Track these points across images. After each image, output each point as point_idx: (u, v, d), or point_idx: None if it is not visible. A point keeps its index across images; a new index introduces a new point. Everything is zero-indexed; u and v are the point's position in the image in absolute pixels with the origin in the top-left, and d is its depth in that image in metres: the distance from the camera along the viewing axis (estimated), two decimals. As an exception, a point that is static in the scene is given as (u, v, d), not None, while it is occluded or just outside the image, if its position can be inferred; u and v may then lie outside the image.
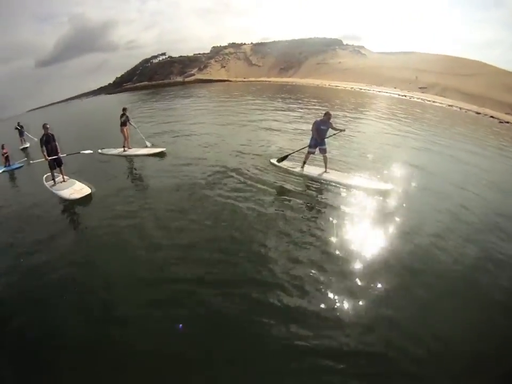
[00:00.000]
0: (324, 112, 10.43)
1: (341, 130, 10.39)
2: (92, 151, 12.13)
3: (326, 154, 10.50)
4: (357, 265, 6.16)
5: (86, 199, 9.90)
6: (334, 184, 9.89)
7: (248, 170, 11.06)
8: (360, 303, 5.28)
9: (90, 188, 10.27)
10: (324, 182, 10.10)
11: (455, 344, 4.72)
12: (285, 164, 11.16)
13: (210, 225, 7.80)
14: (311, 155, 10.68)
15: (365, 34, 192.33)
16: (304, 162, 10.82)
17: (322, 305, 5.20)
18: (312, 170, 10.71)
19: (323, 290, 5.53)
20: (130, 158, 14.22)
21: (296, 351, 4.56)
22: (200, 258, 6.66)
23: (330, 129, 10.26)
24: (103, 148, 15.65)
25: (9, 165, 15.75)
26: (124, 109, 15.12)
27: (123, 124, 14.83)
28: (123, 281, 6.20)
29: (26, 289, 6.18)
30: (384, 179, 10.34)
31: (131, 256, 6.91)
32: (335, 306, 5.20)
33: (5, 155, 16.16)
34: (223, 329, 4.99)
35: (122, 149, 15.01)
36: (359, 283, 5.71)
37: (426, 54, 72.39)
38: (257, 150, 13.55)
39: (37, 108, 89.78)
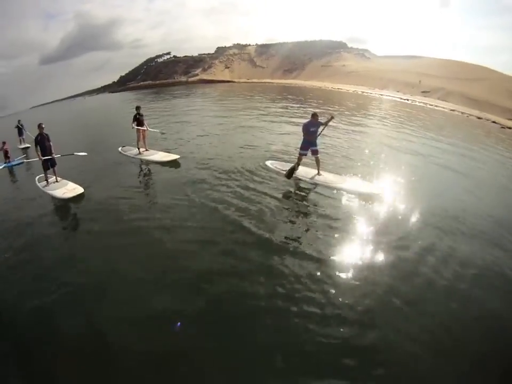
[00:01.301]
0: (311, 113, 10.35)
1: (331, 118, 10.02)
2: (86, 153, 11.95)
3: (318, 156, 10.43)
4: (344, 270, 6.17)
5: (78, 198, 10.02)
6: (326, 186, 9.89)
7: (241, 173, 11.10)
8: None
9: (83, 188, 10.34)
10: (316, 184, 10.13)
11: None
12: (277, 167, 11.18)
13: (201, 222, 8.00)
14: (304, 157, 10.60)
15: (370, 38, 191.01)
16: (298, 165, 10.69)
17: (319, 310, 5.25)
18: (304, 172, 10.67)
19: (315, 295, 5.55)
20: (138, 161, 13.63)
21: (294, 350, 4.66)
22: (193, 254, 6.83)
23: (321, 127, 10.15)
24: (124, 146, 15.28)
25: (9, 162, 15.78)
26: (138, 108, 14.17)
27: (139, 123, 13.90)
28: (116, 278, 6.30)
29: (19, 288, 6.24)
30: (378, 182, 10.43)
31: (126, 253, 7.08)
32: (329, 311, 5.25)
33: (6, 152, 16.38)
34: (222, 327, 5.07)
35: (138, 151, 14.23)
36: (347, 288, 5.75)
37: (431, 58, 71.85)
38: (254, 152, 13.60)
39: (40, 105, 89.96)
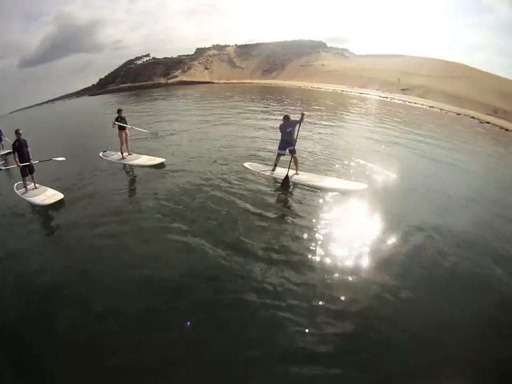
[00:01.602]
0: (283, 115, 10.56)
1: (302, 116, 10.00)
2: (64, 158, 11.65)
3: (296, 155, 10.51)
4: (334, 269, 6.26)
5: (58, 204, 9.94)
6: (305, 185, 10.01)
7: (221, 175, 11.12)
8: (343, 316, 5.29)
9: (63, 194, 10.25)
10: (295, 183, 10.19)
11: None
12: (256, 168, 11.31)
13: (182, 228, 7.90)
14: (281, 157, 10.78)
15: (351, 37, 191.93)
16: (275, 165, 10.93)
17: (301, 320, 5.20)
18: (283, 172, 10.54)
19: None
20: (121, 166, 13.20)
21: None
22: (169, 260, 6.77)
23: (297, 126, 10.15)
24: (105, 151, 14.61)
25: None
26: (119, 111, 13.60)
27: (121, 127, 13.34)
28: (114, 281, 6.30)
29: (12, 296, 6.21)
30: (357, 179, 10.55)
31: (110, 255, 7.08)
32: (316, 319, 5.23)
33: None
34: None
35: (121, 156, 13.63)
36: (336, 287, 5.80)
37: (411, 57, 73.08)
38: (235, 151, 13.74)
39: (20, 109, 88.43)
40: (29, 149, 10.64)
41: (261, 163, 11.72)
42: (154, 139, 16.58)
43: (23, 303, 5.88)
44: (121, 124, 13.24)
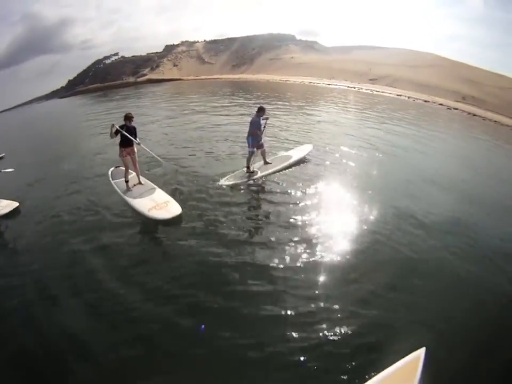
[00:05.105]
0: (257, 107, 10.27)
1: (266, 119, 10.45)
2: (12, 169, 10.91)
3: (264, 148, 10.73)
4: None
5: (14, 213, 9.80)
6: (276, 171, 10.74)
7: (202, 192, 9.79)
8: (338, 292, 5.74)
9: (18, 202, 10.08)
10: (270, 173, 10.62)
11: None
12: (230, 181, 10.16)
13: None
14: (253, 155, 10.42)
15: (322, 30, 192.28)
16: (248, 167, 10.47)
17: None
18: (256, 168, 10.81)
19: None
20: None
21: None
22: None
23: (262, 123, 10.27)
24: (118, 166, 10.63)
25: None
26: (128, 117, 9.02)
27: (124, 143, 9.16)
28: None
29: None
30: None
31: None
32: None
33: None
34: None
35: (125, 184, 9.70)
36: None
37: (381, 48, 74.13)
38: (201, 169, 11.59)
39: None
40: None
41: (233, 176, 10.48)
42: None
43: None
44: (125, 133, 8.92)
